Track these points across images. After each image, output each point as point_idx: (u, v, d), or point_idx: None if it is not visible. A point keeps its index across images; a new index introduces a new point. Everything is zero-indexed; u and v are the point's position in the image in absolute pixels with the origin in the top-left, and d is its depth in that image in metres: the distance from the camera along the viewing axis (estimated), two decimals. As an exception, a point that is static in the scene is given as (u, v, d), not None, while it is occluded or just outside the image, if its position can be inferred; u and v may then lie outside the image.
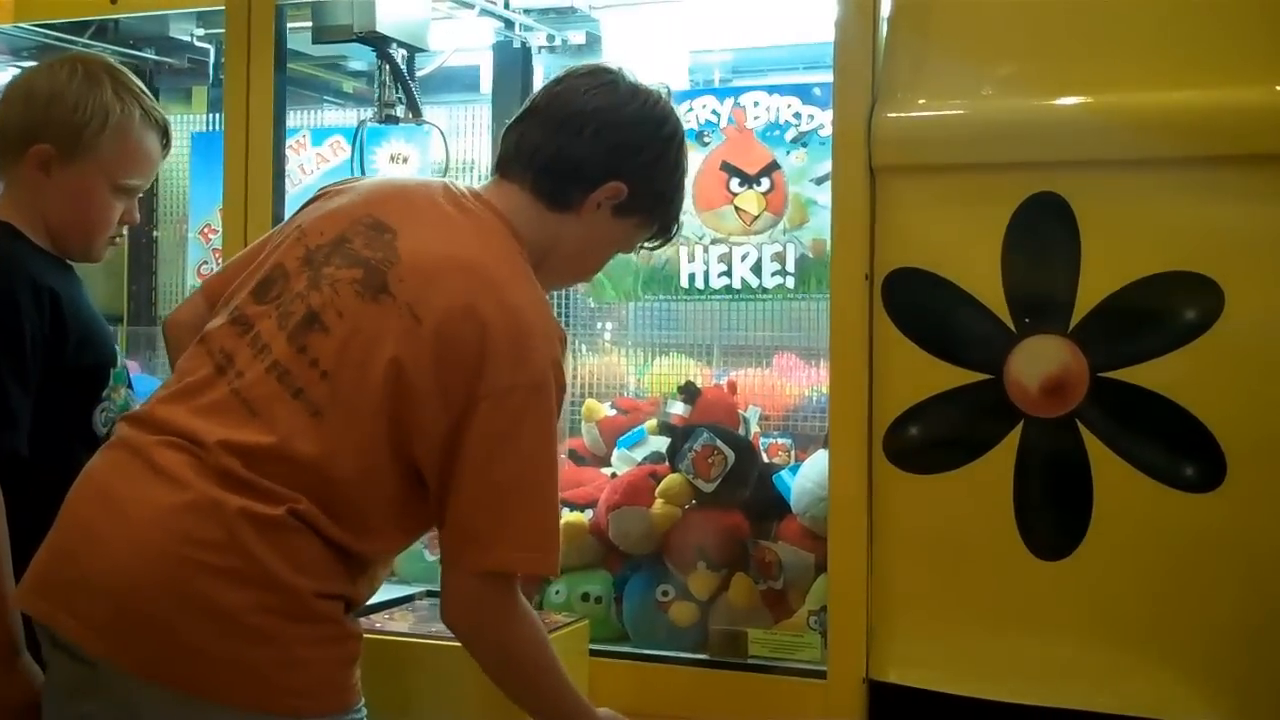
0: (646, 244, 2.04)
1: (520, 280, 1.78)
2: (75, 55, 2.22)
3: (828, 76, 2.35)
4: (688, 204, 2.86)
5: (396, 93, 2.92)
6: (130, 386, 2.16)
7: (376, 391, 1.68)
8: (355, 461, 1.69)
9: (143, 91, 2.13)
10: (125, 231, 2.19)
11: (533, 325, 1.73)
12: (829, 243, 2.34)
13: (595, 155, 1.87)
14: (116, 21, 3.33)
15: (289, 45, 2.86)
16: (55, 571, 1.72)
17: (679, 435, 2.61)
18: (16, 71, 3.58)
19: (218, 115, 3.44)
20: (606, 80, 1.92)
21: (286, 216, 2.62)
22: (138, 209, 2.18)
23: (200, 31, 3.44)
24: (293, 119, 3.09)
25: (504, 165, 1.92)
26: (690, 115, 2.93)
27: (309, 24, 2.96)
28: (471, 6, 3.01)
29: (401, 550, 1.89)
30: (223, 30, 2.84)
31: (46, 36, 3.34)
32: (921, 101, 2.24)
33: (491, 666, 1.81)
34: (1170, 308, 2.08)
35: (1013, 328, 2.14)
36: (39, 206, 2.08)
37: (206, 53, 3.51)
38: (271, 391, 1.71)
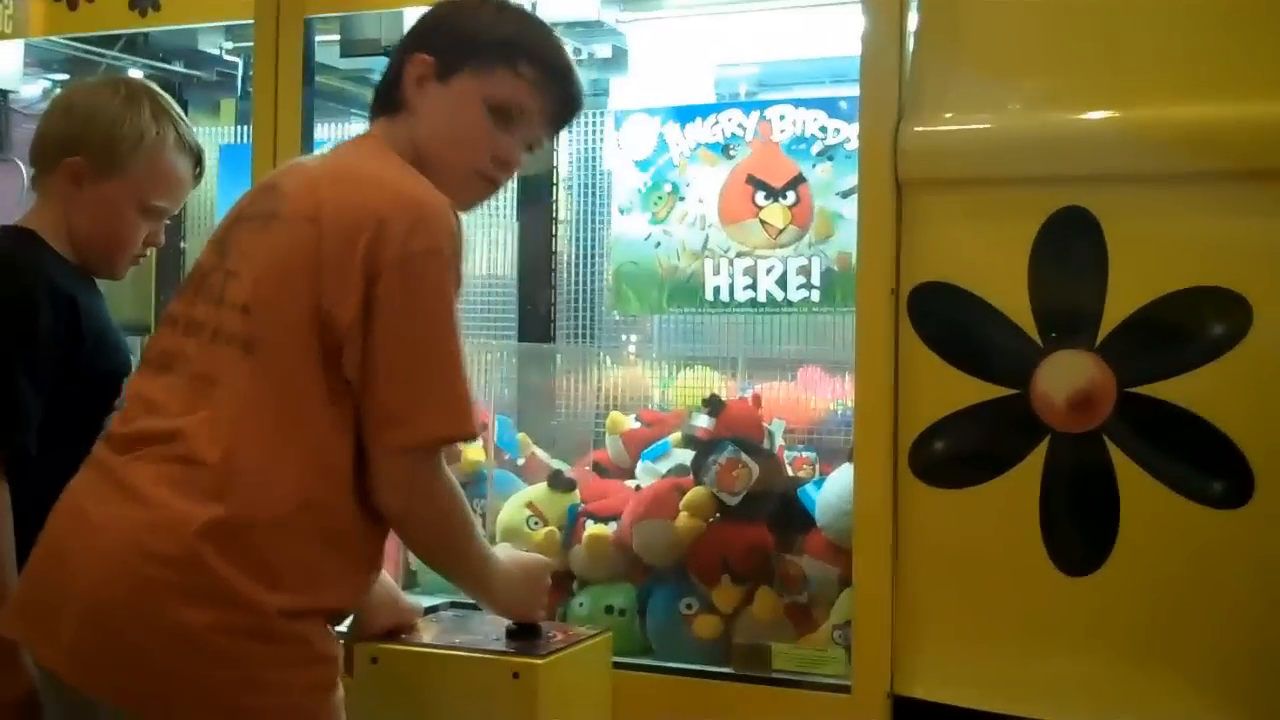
0: (542, 98, 1.93)
1: (396, 165, 1.82)
2: (120, 77, 2.28)
3: (854, 90, 2.36)
4: (714, 217, 2.91)
5: (423, 105, 2.93)
6: None
7: (297, 302, 1.70)
8: (295, 379, 1.70)
9: (181, 118, 2.17)
10: (149, 253, 2.21)
11: (416, 195, 1.74)
12: (855, 256, 2.34)
13: (397, 54, 1.94)
14: (146, 35, 3.35)
15: (317, 58, 2.88)
16: (29, 593, 1.75)
17: (703, 448, 2.60)
18: (47, 84, 3.63)
19: (246, 128, 3.46)
20: None
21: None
22: (163, 232, 2.20)
23: (229, 45, 3.47)
24: (320, 131, 3.10)
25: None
26: (716, 128, 2.93)
27: (337, 37, 2.98)
28: (498, 20, 3.02)
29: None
30: (251, 44, 2.85)
31: (76, 49, 3.37)
32: (948, 116, 2.24)
33: (423, 540, 1.86)
34: (1198, 323, 2.07)
35: (1039, 342, 2.13)
36: (67, 219, 2.11)
37: (235, 66, 3.54)
38: (213, 354, 1.73)
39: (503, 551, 2.07)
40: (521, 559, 2.03)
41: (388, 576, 2.07)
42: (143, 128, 2.10)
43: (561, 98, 1.97)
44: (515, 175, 3.09)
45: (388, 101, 1.92)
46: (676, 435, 2.79)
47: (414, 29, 1.97)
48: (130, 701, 1.64)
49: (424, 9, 2.03)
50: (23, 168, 3.48)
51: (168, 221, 2.22)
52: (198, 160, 2.19)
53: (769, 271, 2.89)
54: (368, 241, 1.68)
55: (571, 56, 2.01)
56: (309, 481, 1.70)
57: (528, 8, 2.83)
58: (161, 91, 2.20)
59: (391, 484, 1.74)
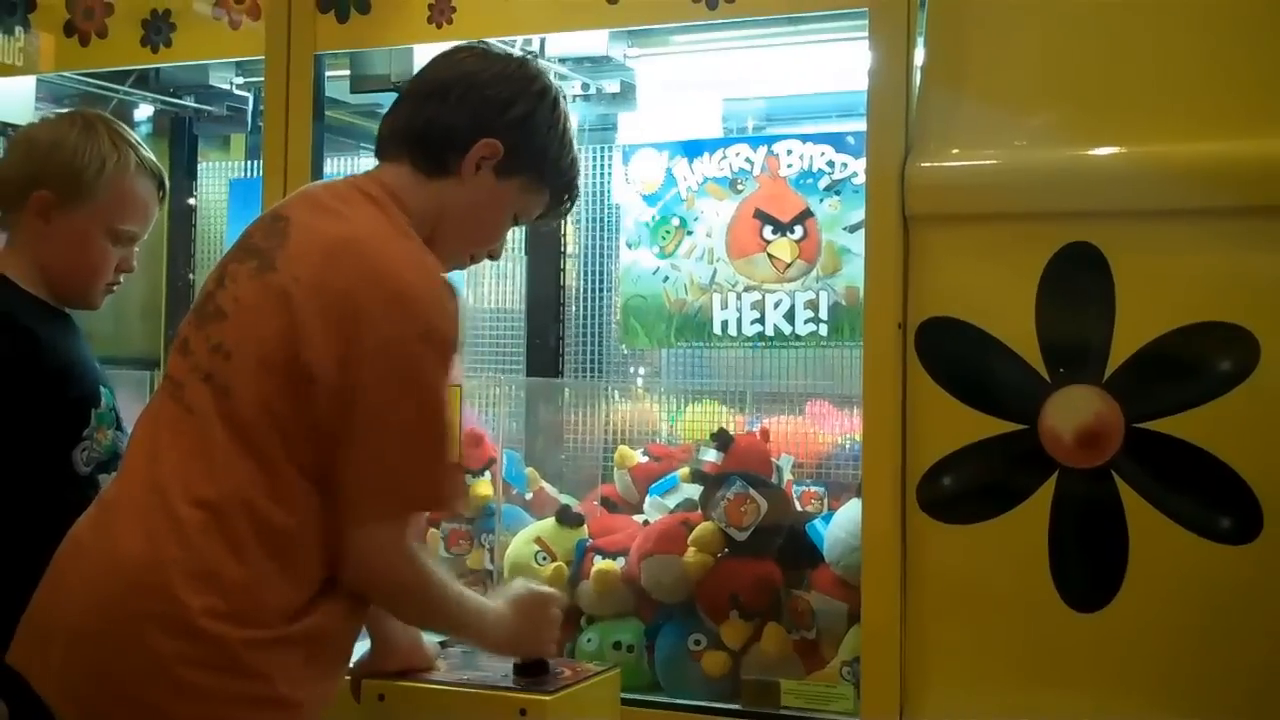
0: (549, 214, 2.01)
1: (394, 242, 1.79)
2: (76, 110, 2.29)
3: (861, 125, 2.36)
4: (721, 251, 2.92)
5: (432, 140, 2.94)
6: (120, 428, 2.18)
7: (270, 360, 1.71)
8: (262, 430, 1.71)
9: (139, 143, 2.19)
10: (123, 279, 2.22)
11: (408, 280, 1.73)
12: (862, 291, 2.34)
13: (464, 116, 1.87)
14: (157, 70, 3.37)
15: (327, 94, 2.89)
16: (31, 622, 1.77)
17: (712, 483, 2.60)
18: (58, 119, 3.63)
19: (256, 162, 3.48)
20: (469, 52, 1.95)
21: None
22: (134, 258, 2.21)
23: (239, 80, 3.48)
24: (330, 166, 3.12)
25: (380, 148, 1.93)
26: (724, 163, 2.94)
27: (347, 73, 3.00)
28: (507, 56, 3.03)
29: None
30: (262, 79, 2.87)
31: (88, 85, 3.39)
32: (955, 151, 2.25)
33: (396, 609, 1.88)
34: (1205, 359, 2.07)
35: (1047, 377, 2.13)
36: (38, 255, 2.14)
37: (245, 101, 3.55)
38: (198, 389, 1.75)
39: (513, 588, 2.06)
40: (517, 596, 2.01)
41: None
42: (103, 154, 2.13)
43: (565, 213, 2.06)
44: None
45: (435, 161, 1.87)
46: (685, 470, 2.78)
47: (496, 104, 1.87)
48: None
49: (432, 45, 2.02)
50: (34, 201, 3.49)
51: (136, 249, 2.23)
52: (160, 183, 2.21)
53: (777, 306, 2.89)
54: (351, 327, 1.70)
55: None
56: (275, 519, 1.70)
57: (535, 47, 2.87)
58: (117, 120, 2.22)
59: (360, 565, 1.75)
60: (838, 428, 2.86)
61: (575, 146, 1.97)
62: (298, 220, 1.83)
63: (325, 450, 1.73)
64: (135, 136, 2.21)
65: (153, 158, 2.21)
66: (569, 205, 2.02)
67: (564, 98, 1.96)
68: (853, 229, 2.80)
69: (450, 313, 1.75)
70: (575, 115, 2.88)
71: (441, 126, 1.88)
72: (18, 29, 3.13)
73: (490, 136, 1.86)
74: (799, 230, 2.88)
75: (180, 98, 3.57)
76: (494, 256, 2.01)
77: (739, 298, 2.92)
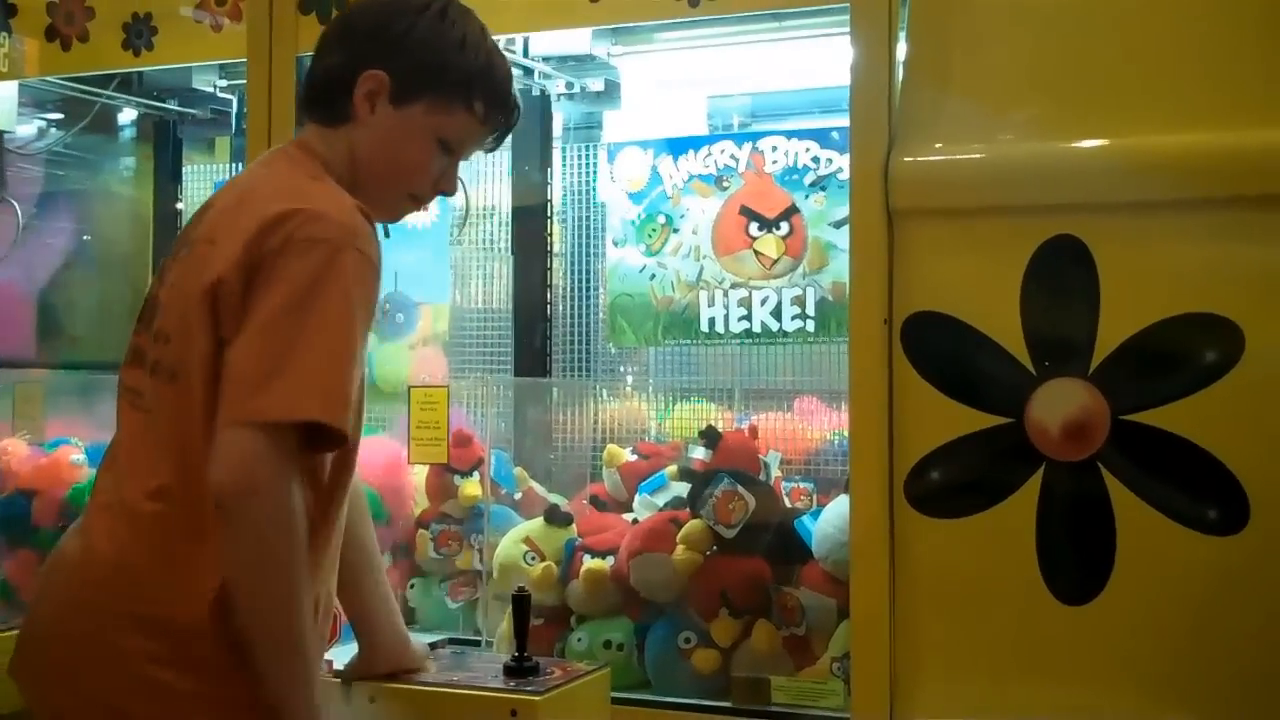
0: (488, 132, 1.92)
1: (305, 180, 1.76)
2: None
3: (845, 120, 2.36)
4: (708, 249, 2.91)
5: (416, 140, 2.94)
6: None
7: (203, 324, 1.67)
8: (212, 404, 1.65)
9: None
10: None
11: (315, 197, 1.70)
12: (848, 286, 2.34)
13: (341, 56, 1.85)
14: (140, 74, 3.37)
15: (310, 95, 2.88)
16: (20, 637, 1.78)
17: (700, 480, 2.60)
18: (41, 124, 3.64)
19: (240, 165, 3.47)
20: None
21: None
22: None
23: (223, 83, 3.48)
24: (314, 168, 3.13)
25: (296, 119, 1.96)
26: (709, 160, 2.94)
27: (330, 74, 2.99)
28: (491, 55, 3.03)
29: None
30: (245, 81, 2.87)
31: (72, 89, 3.38)
32: (939, 145, 2.25)
33: (244, 556, 1.60)
34: (1191, 350, 2.07)
35: (1033, 371, 2.13)
36: None
37: (229, 103, 3.55)
38: (150, 385, 1.75)
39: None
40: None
41: (400, 621, 2.07)
42: None
43: (506, 125, 1.97)
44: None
45: (329, 109, 1.85)
46: (673, 468, 2.78)
47: (368, 33, 1.85)
48: None
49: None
50: (17, 207, 3.50)
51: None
52: None
53: (764, 302, 2.89)
54: (256, 239, 1.65)
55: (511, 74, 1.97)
56: None
57: (518, 47, 2.87)
58: None
59: (224, 461, 1.57)
60: (825, 424, 2.86)
61: (484, 54, 1.88)
62: (218, 201, 1.83)
63: None
64: None
65: None
66: (505, 118, 1.93)
67: (461, 10, 1.89)
68: (838, 225, 2.80)
69: (361, 230, 1.69)
70: (564, 113, 2.87)
71: (322, 73, 1.87)
72: (-1, 34, 3.13)
73: (369, 68, 1.82)
74: (785, 226, 2.88)
75: (164, 101, 3.57)
76: (445, 192, 1.94)
77: (726, 295, 2.92)
